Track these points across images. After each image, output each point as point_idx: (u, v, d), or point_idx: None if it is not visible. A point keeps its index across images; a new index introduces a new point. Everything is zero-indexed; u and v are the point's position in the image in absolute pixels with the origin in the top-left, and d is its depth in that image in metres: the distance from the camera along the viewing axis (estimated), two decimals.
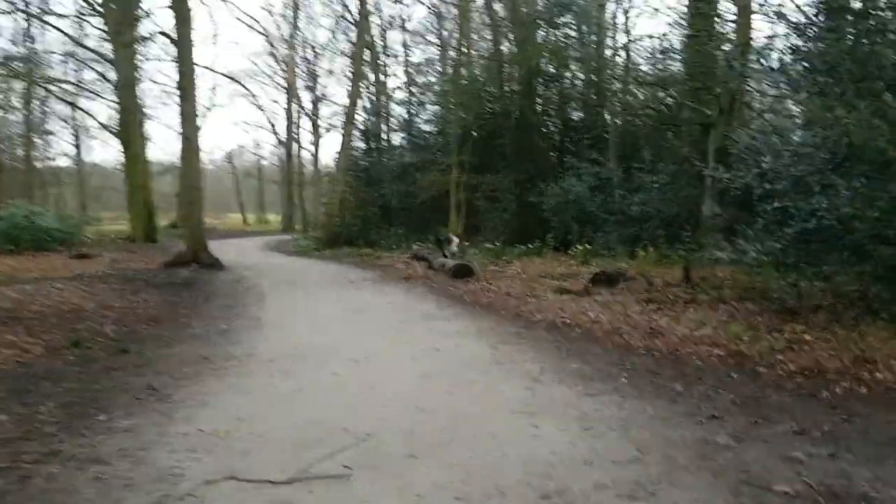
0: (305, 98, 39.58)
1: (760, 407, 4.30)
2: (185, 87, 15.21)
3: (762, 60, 8.28)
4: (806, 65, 7.51)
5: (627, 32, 21.83)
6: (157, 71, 49.61)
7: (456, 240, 15.57)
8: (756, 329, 6.53)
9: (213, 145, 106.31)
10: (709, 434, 3.75)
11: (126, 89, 23.73)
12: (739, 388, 4.79)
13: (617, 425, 3.91)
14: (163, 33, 20.12)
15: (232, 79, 43.24)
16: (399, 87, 29.38)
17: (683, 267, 10.04)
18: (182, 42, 15.31)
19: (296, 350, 6.19)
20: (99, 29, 25.07)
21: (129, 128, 23.61)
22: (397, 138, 29.46)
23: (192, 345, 6.58)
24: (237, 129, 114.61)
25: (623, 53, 21.86)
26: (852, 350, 5.48)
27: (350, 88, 22.54)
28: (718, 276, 10.14)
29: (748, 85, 12.60)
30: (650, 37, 19.33)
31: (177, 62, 16.06)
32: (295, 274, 13.81)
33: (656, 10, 28.83)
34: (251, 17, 60.90)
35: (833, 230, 6.64)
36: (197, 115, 15.54)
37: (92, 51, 26.03)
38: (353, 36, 24.41)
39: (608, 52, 22.13)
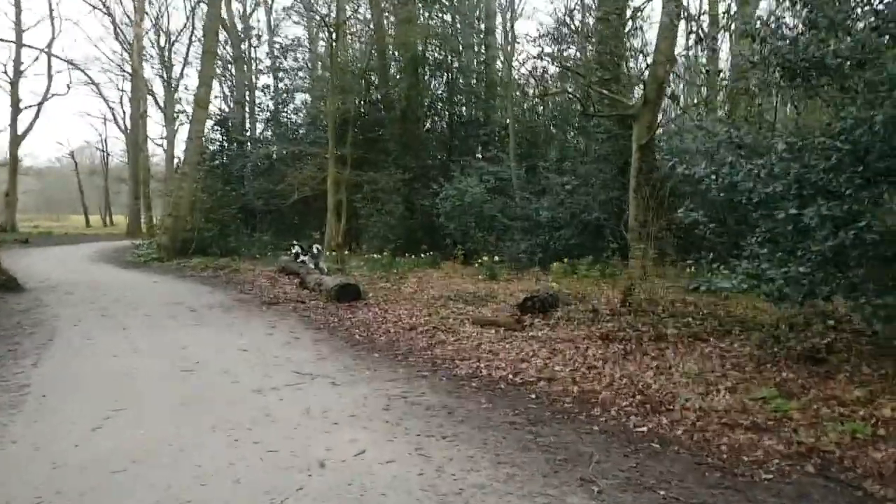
0: (156, 87, 34.60)
1: None
2: None
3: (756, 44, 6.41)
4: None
5: (513, 26, 20.22)
6: None
7: (305, 257, 12.45)
8: (794, 395, 4.51)
9: (56, 140, 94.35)
10: None
11: None
12: None
13: None
14: None
15: (70, 63, 37.28)
16: (262, 71, 25.80)
17: (626, 288, 8.07)
18: None
19: (50, 480, 3.25)
20: None
21: None
22: (265, 131, 25.89)
23: None
24: (83, 123, 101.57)
25: (514, 43, 20.22)
26: None
27: (200, 69, 18.65)
28: (661, 297, 8.29)
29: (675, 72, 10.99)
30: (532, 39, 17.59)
31: None
32: (117, 297, 10.21)
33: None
34: None
35: (876, 247, 4.80)
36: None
37: None
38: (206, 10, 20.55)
39: (499, 41, 20.38)
